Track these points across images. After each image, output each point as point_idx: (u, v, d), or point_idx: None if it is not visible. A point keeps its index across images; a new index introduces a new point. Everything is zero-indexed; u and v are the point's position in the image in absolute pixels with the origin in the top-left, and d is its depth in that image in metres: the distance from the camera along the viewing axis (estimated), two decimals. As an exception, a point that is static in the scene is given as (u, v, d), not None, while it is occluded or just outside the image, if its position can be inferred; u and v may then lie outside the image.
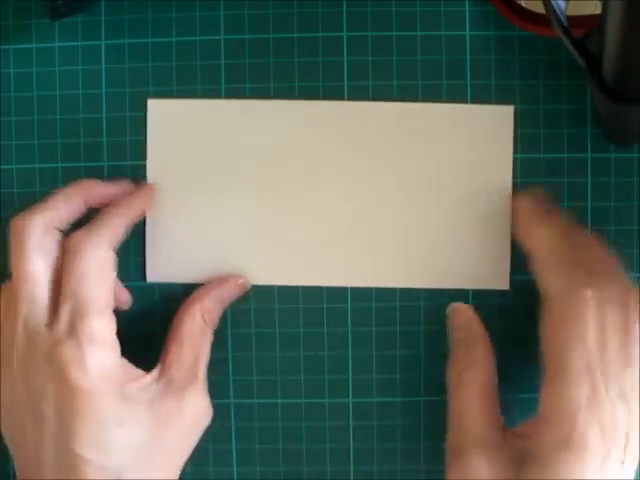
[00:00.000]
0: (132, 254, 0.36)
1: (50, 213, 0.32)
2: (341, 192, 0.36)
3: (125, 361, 0.32)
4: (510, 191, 0.35)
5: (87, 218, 0.33)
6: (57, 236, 0.33)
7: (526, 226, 0.34)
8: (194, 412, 0.32)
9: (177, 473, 0.33)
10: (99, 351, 0.31)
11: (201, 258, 0.36)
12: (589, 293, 0.30)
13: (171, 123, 0.36)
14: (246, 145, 0.36)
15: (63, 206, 0.33)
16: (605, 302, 0.31)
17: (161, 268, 0.36)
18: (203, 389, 0.33)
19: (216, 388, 0.35)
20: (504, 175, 0.35)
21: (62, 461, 0.30)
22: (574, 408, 0.29)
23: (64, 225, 0.33)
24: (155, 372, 0.32)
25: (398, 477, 0.36)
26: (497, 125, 0.35)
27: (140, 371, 0.32)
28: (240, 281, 0.35)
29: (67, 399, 0.30)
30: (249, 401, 0.36)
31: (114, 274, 0.33)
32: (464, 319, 0.34)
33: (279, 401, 0.36)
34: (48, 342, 0.31)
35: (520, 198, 0.35)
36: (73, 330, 0.31)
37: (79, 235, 0.32)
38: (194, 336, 0.33)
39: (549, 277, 0.32)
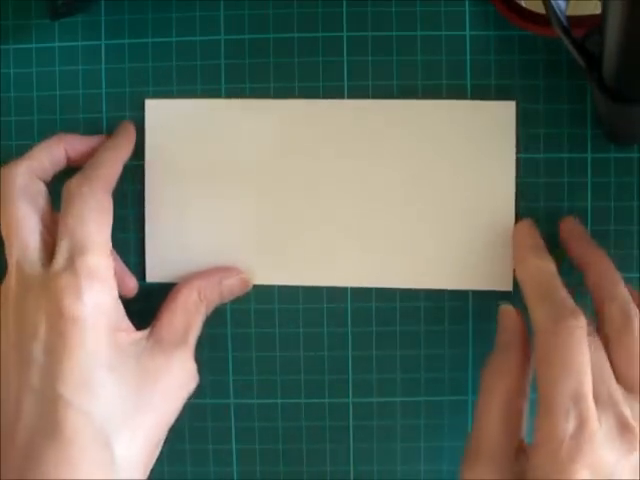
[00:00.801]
0: (132, 254, 0.36)
1: (33, 162, 0.33)
2: (342, 192, 0.36)
3: (121, 306, 0.32)
4: (513, 190, 0.35)
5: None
6: (41, 185, 0.33)
7: (517, 258, 0.34)
8: (181, 372, 0.32)
9: (160, 437, 0.32)
10: (96, 285, 0.30)
11: (201, 258, 0.36)
12: (573, 322, 0.30)
13: (169, 123, 0.36)
14: (245, 145, 0.36)
15: (45, 156, 0.33)
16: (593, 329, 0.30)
17: (161, 268, 0.36)
18: (191, 354, 0.33)
19: (216, 388, 0.35)
20: (507, 174, 0.35)
21: (44, 405, 0.29)
22: (557, 443, 0.28)
23: (47, 175, 0.33)
24: (146, 331, 0.32)
25: (398, 477, 0.36)
26: (499, 121, 0.35)
27: (131, 325, 0.32)
28: (242, 275, 0.35)
29: (59, 329, 0.29)
30: (249, 401, 0.36)
31: (111, 218, 0.32)
32: (511, 323, 0.33)
33: (279, 401, 0.36)
34: (44, 277, 0.30)
35: (518, 228, 0.35)
36: (71, 264, 0.30)
37: (74, 181, 0.32)
38: (188, 307, 0.33)
39: (536, 309, 0.31)
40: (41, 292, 0.30)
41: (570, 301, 0.31)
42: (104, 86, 0.36)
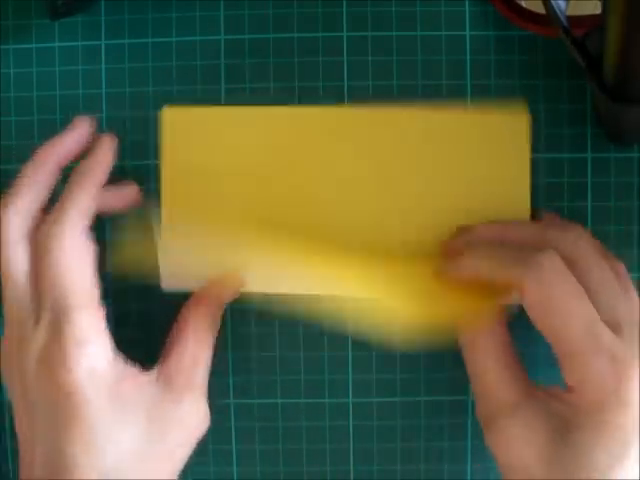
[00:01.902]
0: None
1: (24, 201, 0.32)
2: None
3: (118, 359, 0.31)
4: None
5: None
6: (36, 221, 0.32)
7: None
8: (192, 420, 0.32)
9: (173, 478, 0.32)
10: (87, 349, 0.29)
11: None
12: (540, 256, 0.29)
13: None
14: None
15: (35, 189, 0.32)
16: (565, 259, 0.29)
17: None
18: (202, 395, 0.32)
19: (216, 388, 0.35)
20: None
21: (53, 460, 0.29)
22: (599, 380, 0.28)
23: (43, 203, 0.32)
24: (153, 373, 0.31)
25: (398, 477, 0.36)
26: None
27: (136, 370, 0.31)
28: (236, 280, 0.34)
29: (56, 404, 0.29)
30: (249, 401, 0.36)
31: (91, 256, 0.31)
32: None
33: (279, 401, 0.36)
34: (35, 344, 0.30)
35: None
36: (57, 330, 0.29)
37: (44, 227, 0.31)
38: (197, 340, 0.32)
39: (504, 270, 0.30)
40: (35, 362, 0.29)
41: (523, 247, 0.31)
42: (104, 86, 0.36)
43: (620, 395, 0.28)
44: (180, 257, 0.35)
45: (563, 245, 0.30)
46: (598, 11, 0.27)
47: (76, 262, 0.30)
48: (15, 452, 0.36)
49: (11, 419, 0.36)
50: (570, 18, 0.30)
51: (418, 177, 0.35)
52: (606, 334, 0.28)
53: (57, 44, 0.36)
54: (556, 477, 0.28)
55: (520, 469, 0.29)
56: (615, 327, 0.29)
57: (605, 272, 0.30)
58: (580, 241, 0.31)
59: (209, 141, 0.35)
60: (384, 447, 0.36)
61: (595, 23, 0.28)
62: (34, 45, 0.36)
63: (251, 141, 0.35)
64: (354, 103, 0.35)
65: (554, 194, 0.35)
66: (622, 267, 0.32)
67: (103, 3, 0.36)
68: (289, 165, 0.35)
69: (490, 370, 0.30)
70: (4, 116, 0.36)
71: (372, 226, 0.35)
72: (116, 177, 0.36)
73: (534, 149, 0.35)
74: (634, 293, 0.31)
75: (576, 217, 0.35)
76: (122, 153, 0.35)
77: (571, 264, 0.30)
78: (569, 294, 0.29)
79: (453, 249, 0.33)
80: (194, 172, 0.35)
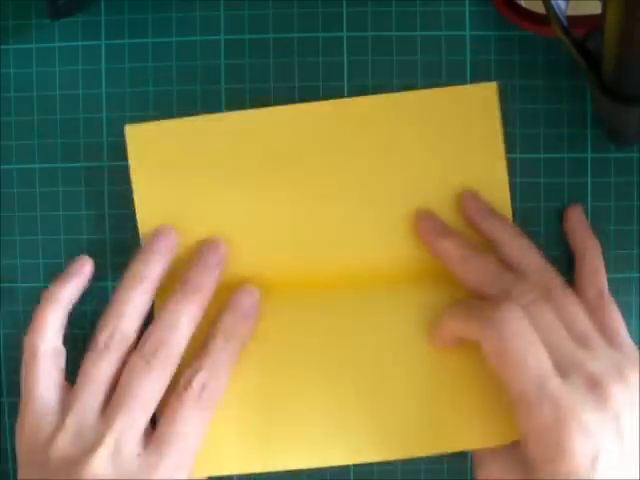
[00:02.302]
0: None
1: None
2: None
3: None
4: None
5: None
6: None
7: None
8: None
9: None
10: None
11: None
12: (500, 313, 0.30)
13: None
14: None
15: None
16: (527, 307, 0.31)
17: None
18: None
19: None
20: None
21: None
22: (543, 430, 0.29)
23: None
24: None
25: (398, 477, 0.36)
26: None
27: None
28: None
29: None
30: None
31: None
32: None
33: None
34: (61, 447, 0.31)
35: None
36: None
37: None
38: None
39: (465, 321, 0.32)
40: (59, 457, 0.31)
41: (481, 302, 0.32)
42: (104, 86, 0.36)
43: (563, 445, 0.28)
44: None
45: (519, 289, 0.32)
46: (598, 11, 0.27)
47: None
48: (15, 452, 0.36)
49: (11, 420, 0.36)
50: (570, 18, 0.30)
51: (392, 163, 0.35)
52: (553, 382, 0.29)
53: (57, 44, 0.36)
54: None
55: None
56: (582, 342, 0.31)
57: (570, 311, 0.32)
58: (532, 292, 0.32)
59: (176, 153, 0.35)
60: (384, 447, 0.36)
61: (595, 23, 0.28)
62: (34, 45, 0.36)
63: (217, 148, 0.35)
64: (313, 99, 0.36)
65: (554, 194, 0.35)
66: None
67: (103, 3, 0.36)
68: (264, 167, 0.35)
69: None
70: (4, 116, 0.36)
71: (353, 221, 0.35)
72: (116, 177, 0.36)
73: (534, 149, 0.35)
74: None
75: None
76: (122, 153, 0.35)
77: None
78: (522, 348, 0.29)
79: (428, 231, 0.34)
80: (166, 186, 0.35)
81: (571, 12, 0.30)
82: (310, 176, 0.35)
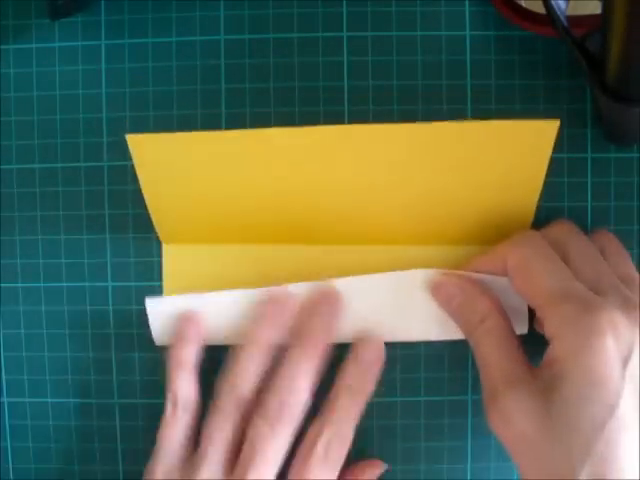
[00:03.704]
0: (132, 256, 0.36)
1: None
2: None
3: None
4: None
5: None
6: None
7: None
8: None
9: None
10: None
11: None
12: (522, 236, 0.32)
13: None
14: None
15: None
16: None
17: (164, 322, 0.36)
18: None
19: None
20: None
21: None
22: (572, 324, 0.28)
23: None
24: None
25: (398, 477, 0.36)
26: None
27: None
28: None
29: None
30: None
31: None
32: (452, 285, 0.33)
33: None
34: None
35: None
36: None
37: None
38: None
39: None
40: None
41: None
42: (104, 86, 0.36)
43: (592, 339, 0.27)
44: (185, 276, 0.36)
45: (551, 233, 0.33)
46: (598, 11, 0.27)
47: None
48: (15, 451, 0.36)
49: (11, 419, 0.36)
50: (570, 18, 0.30)
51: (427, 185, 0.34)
52: (580, 287, 0.29)
53: (57, 44, 0.36)
54: (555, 441, 0.28)
55: (521, 440, 0.29)
56: (597, 291, 0.30)
57: (588, 248, 0.32)
58: (567, 230, 0.33)
59: (179, 164, 0.34)
60: (384, 447, 0.36)
61: (595, 23, 0.28)
62: (34, 45, 0.36)
63: (220, 163, 0.33)
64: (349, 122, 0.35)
65: (554, 194, 0.35)
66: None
67: (103, 3, 0.36)
68: (277, 182, 0.34)
69: (495, 356, 0.31)
70: (4, 116, 0.36)
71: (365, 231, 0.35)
72: (116, 177, 0.36)
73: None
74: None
75: (576, 217, 0.35)
76: (122, 153, 0.35)
77: (555, 244, 0.32)
78: (544, 257, 0.31)
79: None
80: (177, 192, 0.34)
81: (571, 12, 0.30)
82: (318, 195, 0.34)
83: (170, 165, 0.33)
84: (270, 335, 0.33)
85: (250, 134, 0.32)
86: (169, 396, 0.34)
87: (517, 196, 0.34)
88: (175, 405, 0.34)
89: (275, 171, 0.33)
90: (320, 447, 0.32)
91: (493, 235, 0.34)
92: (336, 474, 0.33)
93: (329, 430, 0.32)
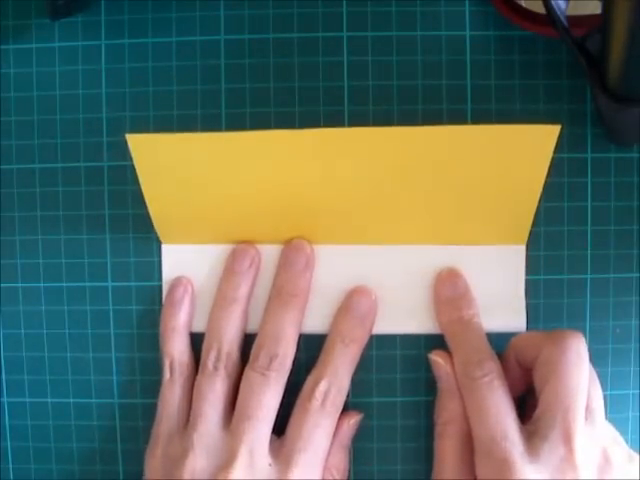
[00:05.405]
0: (132, 255, 0.36)
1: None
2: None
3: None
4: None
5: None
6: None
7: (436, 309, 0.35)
8: None
9: None
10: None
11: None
12: (478, 372, 0.32)
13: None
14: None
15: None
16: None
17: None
18: None
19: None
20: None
21: None
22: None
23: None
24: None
25: (398, 477, 0.36)
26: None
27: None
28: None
29: None
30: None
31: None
32: (443, 372, 0.34)
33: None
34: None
35: (438, 278, 0.35)
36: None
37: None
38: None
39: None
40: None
41: (483, 347, 0.33)
42: (104, 86, 0.36)
43: None
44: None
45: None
46: (598, 11, 0.27)
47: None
48: (15, 451, 0.36)
49: (11, 419, 0.36)
50: (570, 18, 0.30)
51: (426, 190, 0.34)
52: (514, 439, 0.30)
53: (57, 44, 0.36)
54: None
55: None
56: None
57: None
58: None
59: (179, 165, 0.33)
60: (384, 447, 0.36)
61: (595, 23, 0.28)
62: (34, 45, 0.36)
63: (220, 164, 0.33)
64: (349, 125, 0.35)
65: (554, 194, 0.35)
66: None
67: (103, 3, 0.36)
68: (278, 184, 0.34)
69: (449, 461, 0.33)
70: (4, 116, 0.36)
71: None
72: (116, 177, 0.36)
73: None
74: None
75: (576, 217, 0.35)
76: (122, 153, 0.35)
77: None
78: (496, 406, 0.31)
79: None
80: (177, 192, 0.34)
81: (571, 12, 0.30)
82: (319, 198, 0.34)
83: (170, 165, 0.33)
84: (236, 288, 0.34)
85: (250, 136, 0.32)
86: (166, 361, 0.35)
87: (517, 199, 0.34)
88: (173, 369, 0.34)
89: (275, 172, 0.33)
90: (318, 395, 0.33)
91: (492, 236, 0.34)
92: (334, 423, 0.33)
93: (326, 380, 0.33)
